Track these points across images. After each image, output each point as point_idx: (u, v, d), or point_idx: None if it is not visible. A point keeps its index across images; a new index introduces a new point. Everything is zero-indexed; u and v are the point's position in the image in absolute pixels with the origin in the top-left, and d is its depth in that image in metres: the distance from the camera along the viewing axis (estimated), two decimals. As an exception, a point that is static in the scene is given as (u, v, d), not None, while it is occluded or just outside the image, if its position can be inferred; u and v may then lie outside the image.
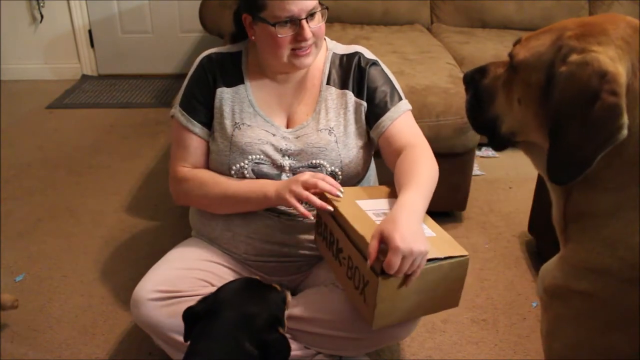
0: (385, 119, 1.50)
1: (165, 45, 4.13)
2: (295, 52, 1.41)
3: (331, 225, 1.36)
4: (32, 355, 1.68)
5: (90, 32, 4.09)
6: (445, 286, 1.29)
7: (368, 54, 1.56)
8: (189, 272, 1.47)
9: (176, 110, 1.55)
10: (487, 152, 2.98)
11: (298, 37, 1.38)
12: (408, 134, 1.49)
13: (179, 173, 1.54)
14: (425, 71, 2.42)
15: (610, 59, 0.75)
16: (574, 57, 0.77)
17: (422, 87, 2.24)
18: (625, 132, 0.74)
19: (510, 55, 0.90)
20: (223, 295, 1.10)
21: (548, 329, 0.91)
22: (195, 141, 1.53)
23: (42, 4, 3.93)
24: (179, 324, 1.36)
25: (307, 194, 1.34)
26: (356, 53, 1.55)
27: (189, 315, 1.09)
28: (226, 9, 2.76)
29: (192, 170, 1.53)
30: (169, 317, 1.38)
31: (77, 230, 2.31)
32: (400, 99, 1.53)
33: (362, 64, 1.53)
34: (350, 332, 1.42)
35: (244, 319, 1.03)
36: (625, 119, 0.74)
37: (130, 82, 4.07)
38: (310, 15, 1.38)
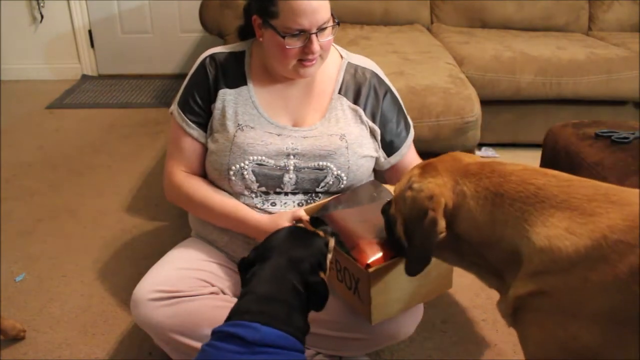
0: (397, 155, 1.60)
1: (165, 45, 4.13)
2: (301, 62, 1.42)
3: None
4: (32, 355, 1.67)
5: (90, 32, 4.09)
6: (436, 271, 1.32)
7: (382, 75, 1.60)
8: (189, 272, 1.47)
9: (174, 108, 1.55)
10: (487, 152, 2.98)
11: (305, 49, 1.39)
12: (413, 164, 1.52)
13: (174, 177, 1.54)
14: (425, 71, 2.42)
15: (438, 185, 1.05)
16: (415, 185, 1.08)
17: (422, 87, 2.24)
18: (442, 234, 1.03)
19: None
20: (272, 243, 1.18)
21: (521, 336, 1.01)
22: (189, 143, 1.53)
23: (42, 4, 3.93)
24: (179, 324, 1.36)
25: None
26: (373, 73, 1.58)
27: (244, 264, 1.17)
28: (226, 9, 2.76)
29: (185, 179, 1.53)
30: (168, 317, 1.38)
31: (77, 230, 2.31)
32: (409, 127, 1.62)
33: (379, 91, 1.56)
34: (351, 332, 1.43)
35: (291, 263, 1.12)
36: (441, 225, 1.03)
37: (130, 82, 4.07)
38: (321, 29, 1.38)
